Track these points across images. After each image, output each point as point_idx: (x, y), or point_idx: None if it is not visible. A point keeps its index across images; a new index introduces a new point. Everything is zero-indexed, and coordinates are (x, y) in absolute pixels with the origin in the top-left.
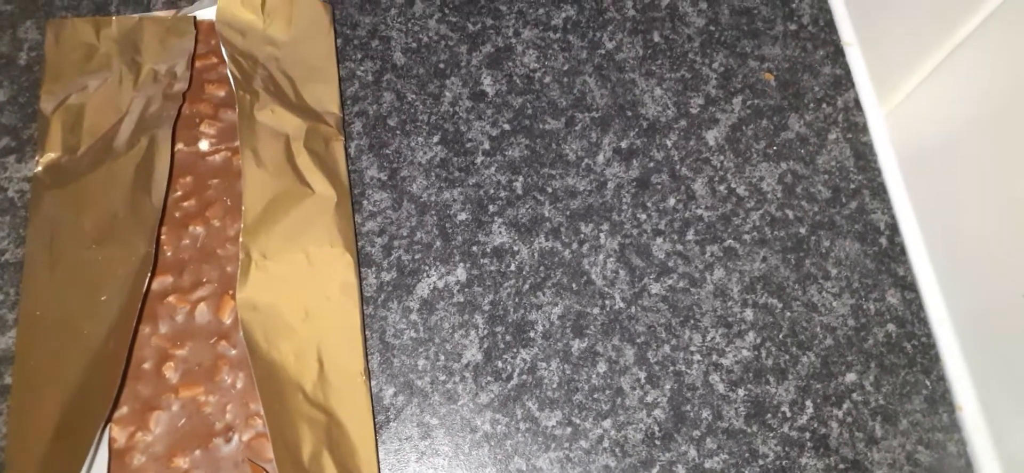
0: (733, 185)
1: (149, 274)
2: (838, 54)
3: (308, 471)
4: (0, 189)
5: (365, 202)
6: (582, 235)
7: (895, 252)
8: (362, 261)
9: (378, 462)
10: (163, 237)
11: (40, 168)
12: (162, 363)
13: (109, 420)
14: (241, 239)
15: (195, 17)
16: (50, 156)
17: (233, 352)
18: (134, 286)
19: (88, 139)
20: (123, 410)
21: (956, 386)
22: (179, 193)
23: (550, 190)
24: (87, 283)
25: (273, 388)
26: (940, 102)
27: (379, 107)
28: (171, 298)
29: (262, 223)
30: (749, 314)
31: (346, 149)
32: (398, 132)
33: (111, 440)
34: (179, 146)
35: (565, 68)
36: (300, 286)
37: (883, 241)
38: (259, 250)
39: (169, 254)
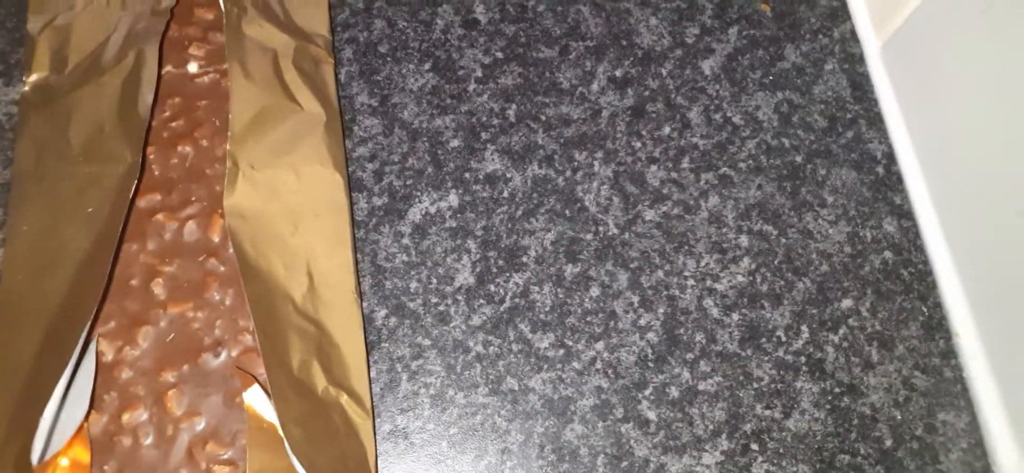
0: (729, 114)
1: (135, 182)
2: None
3: (297, 377)
4: None
5: (356, 128)
6: (576, 162)
7: (892, 180)
8: (353, 186)
9: (370, 380)
10: (152, 156)
11: (27, 88)
12: (150, 279)
13: (93, 329)
14: (228, 147)
15: None
16: (37, 76)
17: (222, 269)
18: (119, 194)
19: (75, 57)
20: (111, 325)
21: (953, 312)
22: (168, 113)
23: (544, 118)
24: (74, 197)
25: (261, 295)
26: (935, 30)
27: (370, 34)
28: (159, 216)
29: (249, 134)
30: (744, 240)
31: (336, 75)
32: (389, 59)
33: (99, 354)
34: (168, 68)
35: None
36: (289, 200)
37: (880, 170)
38: (247, 160)
39: (157, 173)
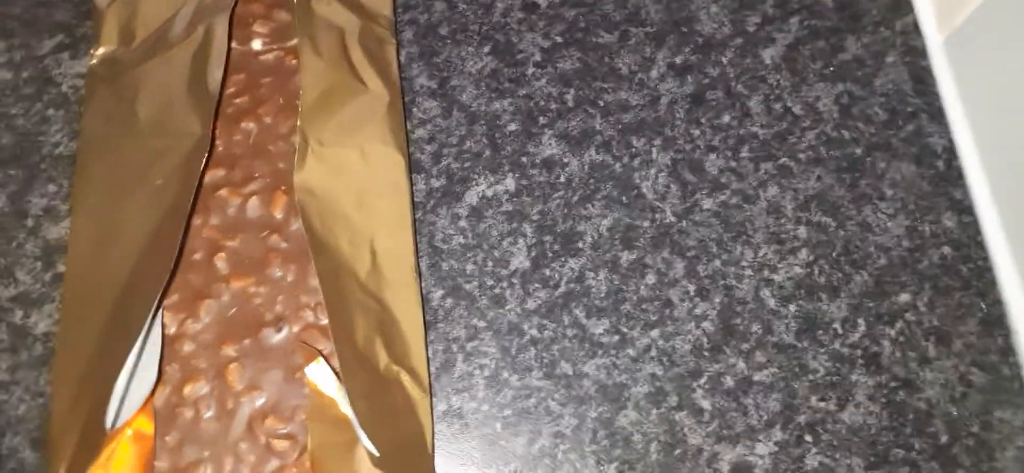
0: (789, 104)
1: (206, 155)
2: None
3: (362, 352)
4: (54, 84)
5: (415, 109)
6: (634, 149)
7: (952, 176)
8: (412, 167)
9: (428, 358)
10: (216, 132)
11: (95, 61)
12: (213, 254)
13: (161, 303)
14: (299, 122)
15: None
16: (104, 50)
17: (285, 245)
18: (189, 167)
19: (143, 32)
20: (174, 298)
21: (1012, 309)
22: (232, 90)
23: (602, 103)
24: (142, 169)
25: (329, 270)
26: (999, 26)
27: (430, 16)
28: (223, 191)
29: (318, 111)
30: (802, 232)
31: (398, 56)
32: (449, 41)
33: (162, 326)
34: (233, 45)
35: None
36: (355, 178)
37: (940, 164)
38: (316, 137)
39: (221, 149)
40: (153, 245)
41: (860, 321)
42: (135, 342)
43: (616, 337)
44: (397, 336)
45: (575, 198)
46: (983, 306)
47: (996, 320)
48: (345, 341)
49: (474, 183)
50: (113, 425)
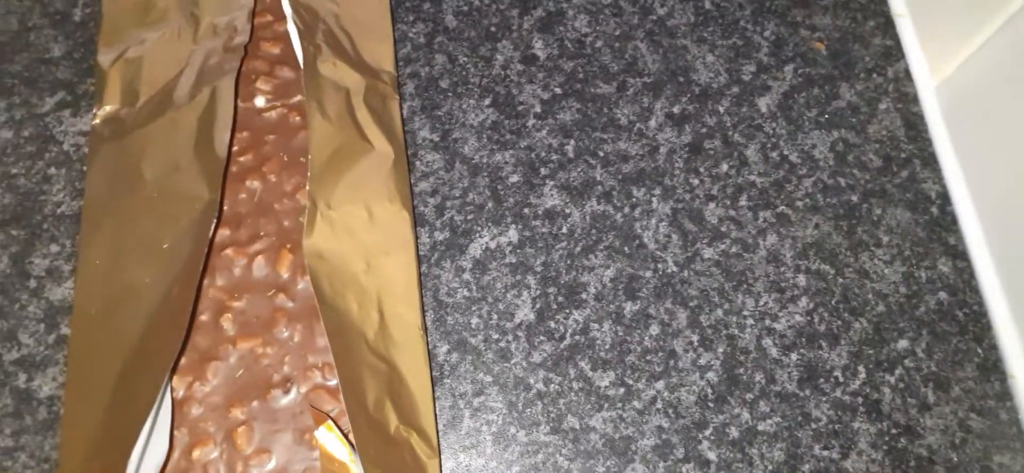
0: (785, 152)
1: (215, 221)
2: (889, 25)
3: (373, 416)
4: (56, 142)
5: (418, 163)
6: (634, 199)
7: (946, 221)
8: (415, 221)
9: (435, 417)
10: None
11: (98, 120)
12: (219, 315)
13: (175, 370)
14: (308, 187)
15: None
16: (108, 108)
17: (291, 305)
18: (199, 233)
19: (147, 91)
20: (181, 360)
21: (1008, 354)
22: (236, 148)
23: (602, 154)
24: (149, 232)
25: (338, 332)
26: (992, 74)
27: (431, 69)
28: (228, 250)
29: (327, 173)
30: (802, 280)
31: (400, 110)
32: (450, 94)
33: (171, 389)
34: (236, 102)
35: (616, 33)
36: (362, 238)
37: (934, 210)
38: (324, 200)
39: (226, 208)
40: (163, 310)
41: (860, 368)
42: (150, 410)
43: (622, 389)
44: (406, 397)
45: (578, 249)
46: (980, 351)
47: (993, 365)
48: (357, 406)
49: (477, 235)
50: None
